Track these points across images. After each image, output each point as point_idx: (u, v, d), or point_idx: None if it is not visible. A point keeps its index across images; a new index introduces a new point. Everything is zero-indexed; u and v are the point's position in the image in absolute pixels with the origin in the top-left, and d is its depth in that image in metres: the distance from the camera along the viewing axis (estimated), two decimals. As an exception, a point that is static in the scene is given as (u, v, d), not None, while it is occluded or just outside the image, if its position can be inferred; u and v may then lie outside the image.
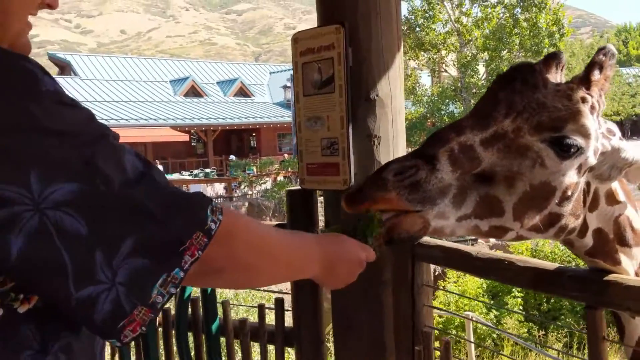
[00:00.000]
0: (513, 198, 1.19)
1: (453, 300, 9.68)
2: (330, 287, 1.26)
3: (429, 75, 23.99)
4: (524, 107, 1.20)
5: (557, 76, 1.32)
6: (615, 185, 1.35)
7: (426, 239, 2.07)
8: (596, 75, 1.27)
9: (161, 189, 0.86)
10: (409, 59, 22.00)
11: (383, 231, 1.19)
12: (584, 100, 1.23)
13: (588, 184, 1.30)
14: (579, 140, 1.19)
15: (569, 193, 1.23)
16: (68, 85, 32.24)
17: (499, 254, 1.75)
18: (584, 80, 1.27)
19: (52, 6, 1.02)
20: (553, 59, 1.33)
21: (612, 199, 1.34)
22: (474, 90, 20.43)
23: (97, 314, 0.79)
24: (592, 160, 1.24)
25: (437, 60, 21.95)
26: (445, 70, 22.75)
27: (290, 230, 1.25)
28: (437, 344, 2.06)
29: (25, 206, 0.75)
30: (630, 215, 1.37)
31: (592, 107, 1.24)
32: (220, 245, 0.91)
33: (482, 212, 1.19)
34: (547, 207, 1.22)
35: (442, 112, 20.89)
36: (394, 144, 2.33)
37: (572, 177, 1.22)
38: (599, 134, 1.26)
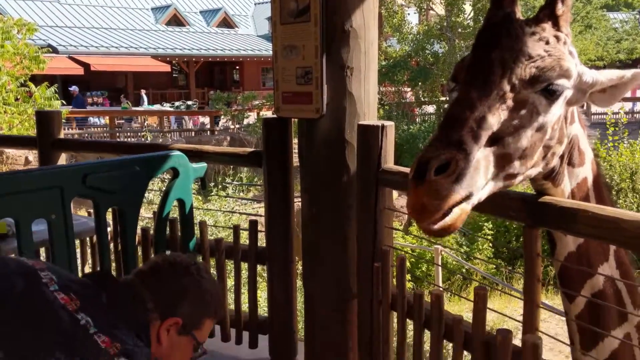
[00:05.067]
0: (519, 148, 1.29)
1: (426, 237, 9.99)
2: None
3: (416, 13, 23.50)
4: (514, 63, 1.27)
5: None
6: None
7: (389, 166, 2.20)
8: (560, 8, 1.34)
9: None
10: (396, -5, 21.50)
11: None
12: (558, 39, 1.32)
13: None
14: (565, 83, 1.30)
15: (556, 126, 1.35)
16: (47, 9, 31.06)
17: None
18: (551, 15, 1.34)
19: None
20: None
21: (572, 118, 1.45)
22: (460, 30, 20.14)
23: None
24: (571, 91, 1.35)
25: (424, -3, 21.47)
26: (432, 9, 22.32)
27: None
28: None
29: None
30: (579, 135, 1.48)
31: (565, 43, 1.34)
32: None
33: (498, 169, 1.27)
34: (541, 144, 1.33)
35: (427, 52, 20.66)
36: (365, 76, 2.41)
37: (558, 113, 1.34)
38: (577, 66, 1.35)
